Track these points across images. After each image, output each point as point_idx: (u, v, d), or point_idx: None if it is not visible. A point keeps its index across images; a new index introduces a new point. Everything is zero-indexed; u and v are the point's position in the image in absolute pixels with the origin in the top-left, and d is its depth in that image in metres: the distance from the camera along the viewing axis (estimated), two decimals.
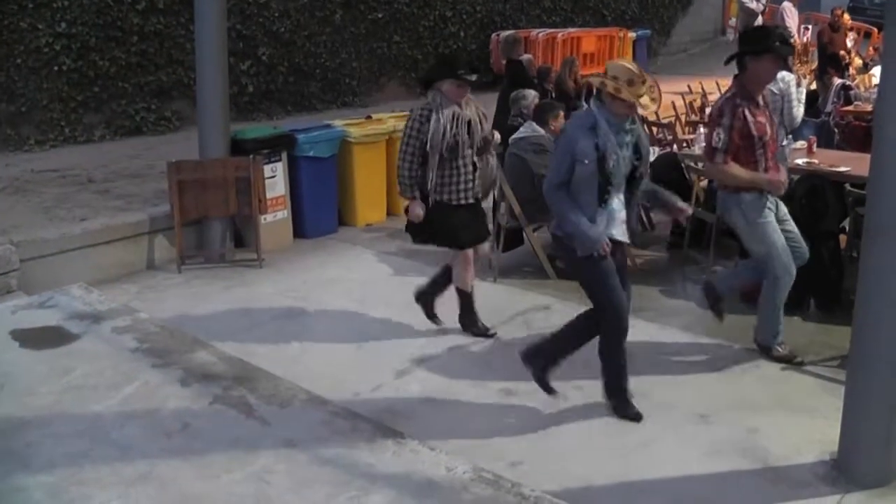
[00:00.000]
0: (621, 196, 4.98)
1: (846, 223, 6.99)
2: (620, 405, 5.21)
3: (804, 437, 4.94)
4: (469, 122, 5.94)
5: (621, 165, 4.85)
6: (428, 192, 5.97)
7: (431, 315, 6.48)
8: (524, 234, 7.82)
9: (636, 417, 5.16)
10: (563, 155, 4.89)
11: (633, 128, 4.94)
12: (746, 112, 5.57)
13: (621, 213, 4.99)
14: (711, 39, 22.93)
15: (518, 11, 17.86)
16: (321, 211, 8.90)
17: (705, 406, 5.32)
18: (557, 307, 6.88)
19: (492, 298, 6.99)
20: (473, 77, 6.00)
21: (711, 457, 4.77)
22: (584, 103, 10.53)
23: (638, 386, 5.37)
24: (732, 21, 23.04)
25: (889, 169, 4.13)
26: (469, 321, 6.42)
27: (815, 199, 6.66)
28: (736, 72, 5.76)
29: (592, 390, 5.34)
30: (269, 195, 8.34)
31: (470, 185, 6.03)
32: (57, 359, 5.39)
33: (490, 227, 6.73)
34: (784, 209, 5.88)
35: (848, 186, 6.90)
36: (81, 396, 4.88)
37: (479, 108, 6.13)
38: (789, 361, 5.89)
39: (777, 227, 5.75)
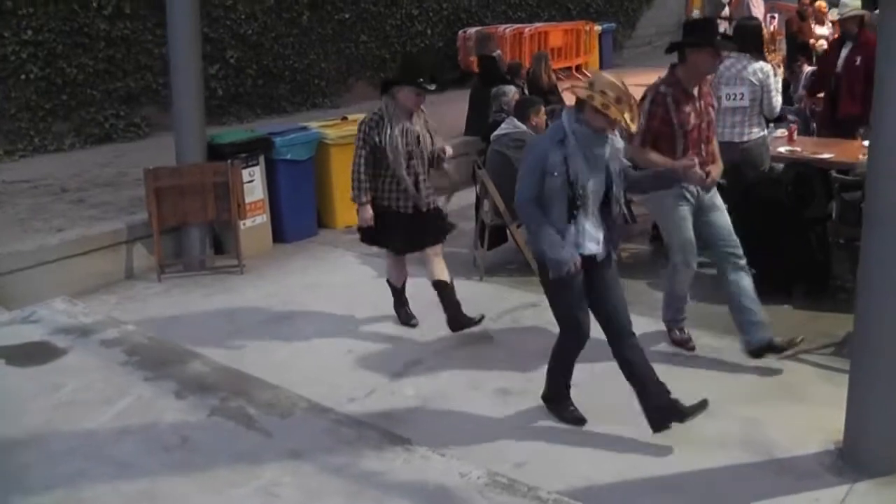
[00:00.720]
0: (594, 216, 4.79)
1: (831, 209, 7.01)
2: (558, 410, 5.18)
3: (807, 427, 4.92)
4: (418, 137, 6.01)
5: (588, 184, 4.68)
6: (380, 201, 6.11)
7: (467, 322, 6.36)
8: (508, 232, 7.76)
9: (578, 422, 5.11)
10: (534, 167, 4.71)
11: (607, 146, 4.74)
12: (669, 100, 5.60)
13: (597, 232, 4.81)
14: (676, 31, 22.79)
15: (484, 8, 17.77)
16: (300, 214, 8.81)
17: (704, 399, 5.27)
18: (545, 304, 6.74)
19: (479, 297, 6.93)
20: (433, 87, 6.00)
21: (715, 450, 4.75)
22: (558, 98, 10.50)
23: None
24: (696, 13, 23.08)
25: (887, 158, 4.12)
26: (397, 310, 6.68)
27: (802, 186, 6.69)
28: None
29: (587, 388, 5.30)
30: (247, 200, 8.22)
31: (424, 192, 6.12)
32: (45, 375, 5.26)
33: (468, 225, 6.69)
34: (716, 200, 5.77)
35: (833, 173, 6.93)
36: (74, 413, 4.77)
37: (427, 122, 6.18)
38: (683, 345, 6.03)
39: (687, 218, 5.70)
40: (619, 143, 4.88)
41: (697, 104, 5.69)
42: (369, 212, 6.07)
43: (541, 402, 5.27)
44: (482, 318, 6.35)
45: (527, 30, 16.80)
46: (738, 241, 5.77)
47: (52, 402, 4.95)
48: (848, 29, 8.81)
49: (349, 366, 5.92)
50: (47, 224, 7.88)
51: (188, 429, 4.59)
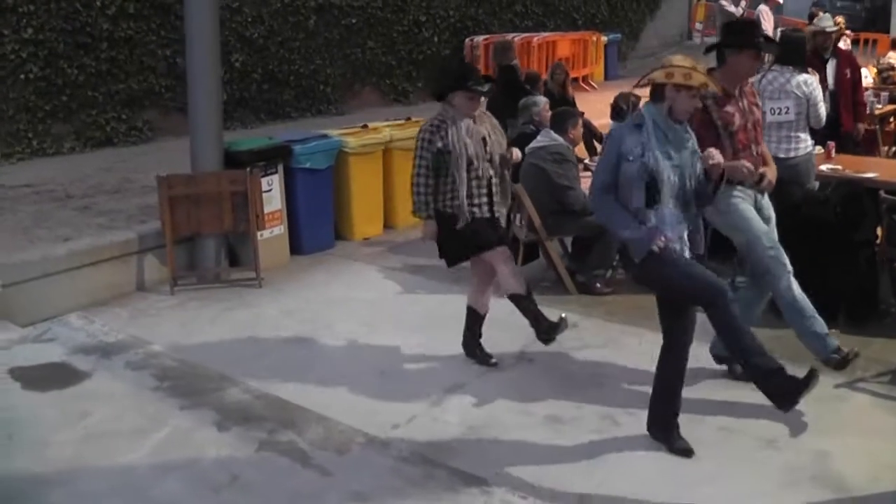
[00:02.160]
0: (675, 210, 4.61)
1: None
2: (666, 436, 4.80)
3: (877, 462, 4.63)
4: (483, 138, 5.65)
5: (664, 174, 4.52)
6: (438, 208, 5.67)
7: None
8: (539, 248, 7.43)
9: (685, 453, 4.74)
10: (610, 153, 4.65)
11: (687, 136, 4.66)
12: (710, 101, 5.28)
13: (679, 226, 4.63)
14: (678, 43, 22.81)
15: (490, 16, 17.54)
16: (318, 225, 8.47)
17: (768, 429, 4.98)
18: (585, 324, 6.55)
19: (513, 316, 6.54)
20: (486, 87, 5.73)
21: (786, 487, 4.44)
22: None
23: (693, 408, 5.03)
24: (699, 25, 23.06)
25: None
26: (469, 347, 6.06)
27: (852, 206, 6.41)
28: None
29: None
30: (265, 210, 7.85)
31: (485, 199, 5.70)
32: (68, 401, 4.84)
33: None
34: (770, 211, 5.54)
35: (882, 193, 6.65)
36: (105, 446, 4.34)
37: (494, 124, 5.83)
38: (846, 364, 5.48)
39: (754, 212, 5.40)
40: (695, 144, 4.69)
41: (741, 103, 5.42)
42: (433, 225, 5.69)
43: (593, 431, 4.94)
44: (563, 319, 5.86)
45: (535, 39, 16.61)
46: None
47: (79, 432, 4.51)
48: (829, 43, 8.85)
49: (385, 390, 5.54)
50: (52, 233, 7.49)
51: (236, 465, 4.18)
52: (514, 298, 5.85)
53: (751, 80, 5.79)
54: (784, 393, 4.79)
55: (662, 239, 4.50)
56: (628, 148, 4.53)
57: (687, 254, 4.68)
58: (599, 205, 4.72)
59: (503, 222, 5.90)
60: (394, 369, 5.86)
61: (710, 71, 5.46)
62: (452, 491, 3.98)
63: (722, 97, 5.31)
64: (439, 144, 5.56)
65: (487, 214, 5.72)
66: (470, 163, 5.56)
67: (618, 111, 8.66)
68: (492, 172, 5.71)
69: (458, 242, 5.73)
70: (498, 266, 5.77)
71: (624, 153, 4.54)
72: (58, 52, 10.90)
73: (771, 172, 5.46)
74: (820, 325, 5.51)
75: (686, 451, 4.72)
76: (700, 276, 4.58)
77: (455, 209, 5.64)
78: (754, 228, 5.37)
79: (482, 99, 5.77)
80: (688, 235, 4.70)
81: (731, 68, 5.39)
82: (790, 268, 5.42)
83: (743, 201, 5.38)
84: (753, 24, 6.12)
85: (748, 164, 5.22)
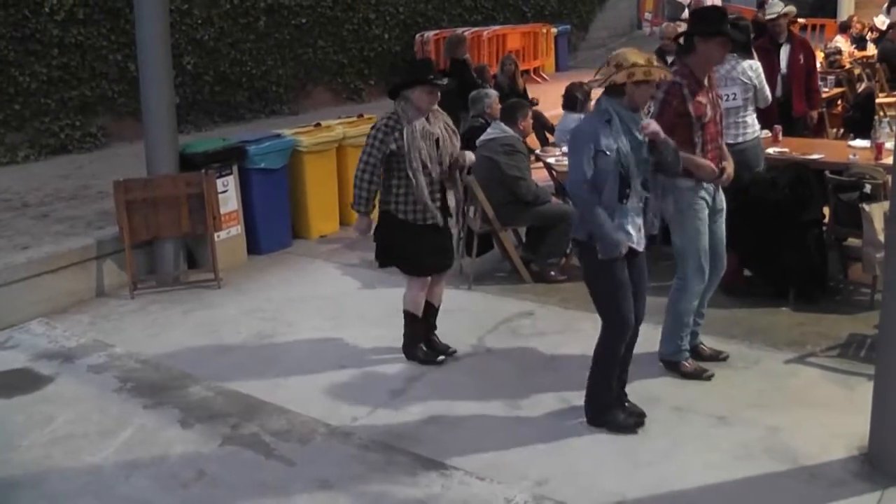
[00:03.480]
0: (637, 199, 4.78)
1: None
2: (610, 422, 4.96)
3: (827, 433, 4.80)
4: (438, 139, 5.60)
5: (631, 164, 4.67)
6: (388, 209, 5.66)
7: (442, 351, 6.04)
8: (493, 239, 7.56)
9: (638, 422, 4.95)
10: (584, 148, 4.66)
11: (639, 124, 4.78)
12: (686, 91, 5.32)
13: (638, 219, 4.81)
14: (628, 34, 23.07)
15: (440, 11, 17.64)
16: (274, 224, 8.54)
17: (720, 407, 5.14)
18: (541, 312, 6.70)
19: (471, 307, 6.75)
20: (445, 81, 5.73)
21: (740, 460, 4.60)
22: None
23: (647, 390, 5.24)
24: (648, 16, 23.20)
25: None
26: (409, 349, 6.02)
27: (799, 187, 6.57)
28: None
29: None
30: (222, 211, 7.91)
31: (438, 204, 5.67)
32: (33, 406, 4.90)
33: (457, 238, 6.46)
34: (721, 203, 5.59)
35: (828, 174, 6.85)
36: (72, 447, 4.42)
37: (447, 123, 5.76)
38: (699, 377, 5.57)
39: (705, 227, 5.47)
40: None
41: (710, 94, 5.47)
42: (367, 221, 5.72)
43: (550, 416, 5.08)
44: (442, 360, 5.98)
45: (485, 33, 16.74)
46: (724, 253, 5.62)
47: (45, 435, 4.58)
48: (782, 29, 8.97)
49: (346, 383, 5.64)
50: (11, 242, 7.50)
51: (203, 461, 4.27)
52: (408, 315, 5.94)
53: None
54: (609, 425, 4.96)
55: (627, 246, 4.70)
56: (606, 143, 4.62)
57: (643, 244, 4.85)
58: (578, 198, 4.78)
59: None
60: (355, 363, 5.95)
61: (679, 58, 5.54)
62: (412, 475, 4.10)
63: (695, 87, 5.35)
64: (393, 146, 5.50)
65: (442, 221, 5.70)
66: (424, 166, 5.52)
67: (572, 101, 8.80)
68: (438, 176, 5.64)
69: (400, 251, 5.74)
70: (421, 284, 5.83)
71: (602, 148, 4.62)
72: (8, 60, 10.85)
73: (730, 166, 5.53)
74: (687, 340, 5.65)
75: (639, 421, 4.94)
76: (621, 304, 4.79)
77: (406, 214, 5.61)
78: (697, 244, 5.42)
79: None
80: (643, 219, 4.84)
81: (702, 56, 5.39)
82: (706, 281, 5.54)
83: (703, 209, 5.41)
84: (721, 12, 6.17)
85: (713, 165, 5.31)
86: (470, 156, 5.82)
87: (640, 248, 4.86)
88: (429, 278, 5.84)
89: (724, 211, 5.63)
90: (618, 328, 4.85)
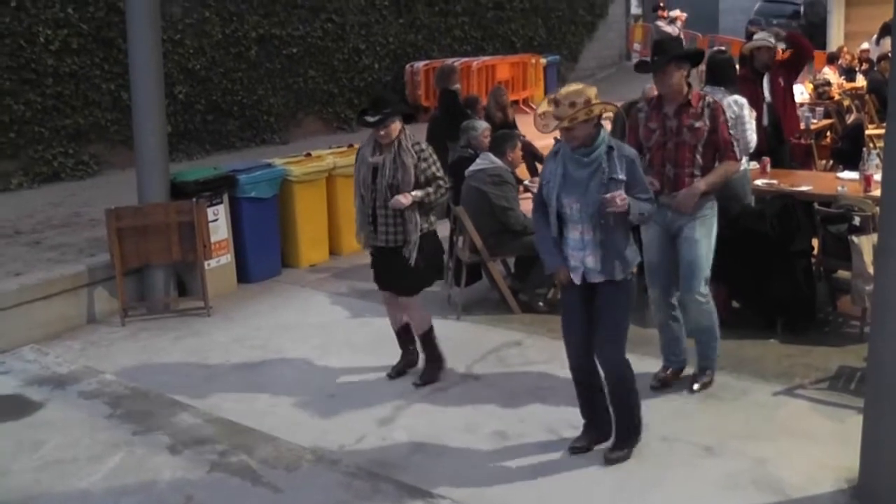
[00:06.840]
0: (584, 233, 4.75)
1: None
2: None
3: (815, 465, 4.83)
4: (375, 169, 5.74)
5: (567, 200, 4.70)
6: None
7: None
8: (482, 269, 7.63)
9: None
10: (541, 178, 4.96)
11: (593, 158, 4.65)
12: (641, 115, 5.65)
13: (581, 252, 4.77)
14: (617, 64, 23.26)
15: (430, 42, 17.77)
16: (264, 253, 8.61)
17: (707, 437, 5.18)
18: (529, 342, 6.76)
19: (458, 336, 6.80)
20: (375, 118, 5.67)
21: (727, 490, 4.64)
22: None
23: None
24: (637, 46, 23.49)
25: None
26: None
27: (788, 218, 6.63)
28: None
29: None
30: (212, 239, 7.98)
31: (371, 228, 5.83)
32: (23, 431, 4.95)
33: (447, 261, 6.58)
34: (691, 232, 5.57)
35: (816, 205, 6.92)
36: (62, 472, 4.47)
37: (402, 158, 5.73)
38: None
39: (654, 240, 5.66)
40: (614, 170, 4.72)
41: (669, 122, 5.54)
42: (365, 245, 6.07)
43: (537, 446, 5.14)
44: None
45: (475, 63, 16.86)
46: (691, 282, 5.61)
47: (35, 461, 4.63)
48: (764, 60, 8.92)
49: (334, 411, 5.69)
50: (3, 269, 7.55)
51: (191, 487, 4.33)
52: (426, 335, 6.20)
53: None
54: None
55: (564, 275, 4.81)
56: (544, 174, 4.87)
57: (592, 276, 4.80)
58: (533, 223, 5.05)
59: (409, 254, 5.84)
60: (343, 391, 6.01)
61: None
62: (398, 503, 4.15)
63: (652, 113, 5.57)
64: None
65: (381, 243, 5.85)
66: (358, 187, 5.84)
67: None
68: (380, 203, 5.74)
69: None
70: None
71: (543, 180, 4.85)
72: (3, 89, 10.92)
73: (684, 198, 5.50)
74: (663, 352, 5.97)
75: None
76: (564, 327, 4.97)
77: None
78: (644, 256, 5.59)
79: (395, 125, 5.70)
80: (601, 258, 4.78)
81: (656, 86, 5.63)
82: (652, 296, 5.77)
83: (651, 226, 5.55)
84: (679, 41, 6.24)
85: (655, 182, 5.41)
86: (401, 200, 5.71)
87: (592, 279, 4.80)
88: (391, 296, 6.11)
89: (690, 239, 5.58)
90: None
